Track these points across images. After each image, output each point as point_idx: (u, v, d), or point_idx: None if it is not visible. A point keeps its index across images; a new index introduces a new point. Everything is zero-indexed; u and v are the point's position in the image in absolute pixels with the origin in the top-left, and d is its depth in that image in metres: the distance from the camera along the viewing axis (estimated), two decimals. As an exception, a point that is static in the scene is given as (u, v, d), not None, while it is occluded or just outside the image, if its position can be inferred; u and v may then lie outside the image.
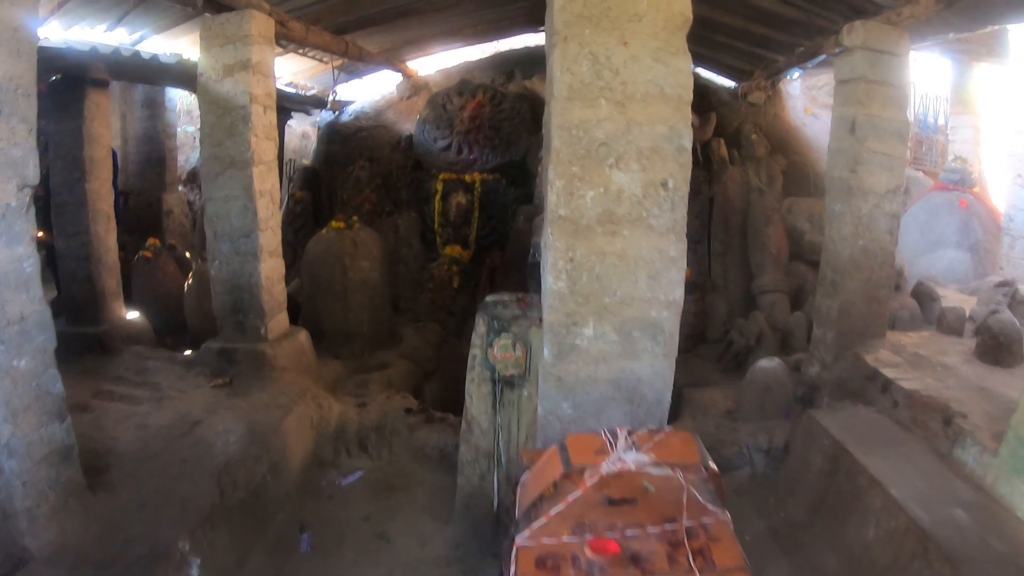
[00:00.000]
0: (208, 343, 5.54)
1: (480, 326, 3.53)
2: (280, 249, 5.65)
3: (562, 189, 3.04)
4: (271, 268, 5.47)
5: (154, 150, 10.72)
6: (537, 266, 3.66)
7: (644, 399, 3.17)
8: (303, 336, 5.78)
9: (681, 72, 3.01)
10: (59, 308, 6.88)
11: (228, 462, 3.94)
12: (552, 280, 3.07)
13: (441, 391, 6.42)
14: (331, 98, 9.86)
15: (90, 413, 4.88)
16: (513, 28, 9.25)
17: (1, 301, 2.85)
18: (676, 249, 3.08)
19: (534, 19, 8.35)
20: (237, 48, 5.03)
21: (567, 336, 3.12)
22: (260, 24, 5.09)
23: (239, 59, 5.05)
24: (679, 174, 3.04)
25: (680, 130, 3.02)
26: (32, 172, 2.91)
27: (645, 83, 2.99)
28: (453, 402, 6.45)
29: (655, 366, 3.16)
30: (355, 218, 7.07)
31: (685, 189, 3.06)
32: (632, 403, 3.17)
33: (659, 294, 3.09)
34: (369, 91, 10.51)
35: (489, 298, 3.77)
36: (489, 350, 3.49)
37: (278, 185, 5.56)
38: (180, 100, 10.89)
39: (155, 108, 10.64)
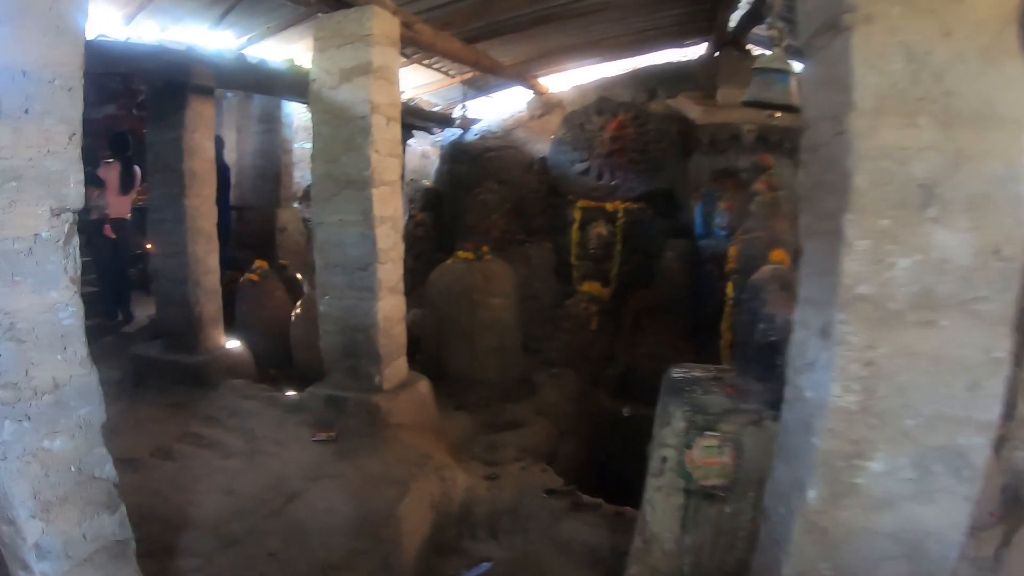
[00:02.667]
0: (314, 387, 4.83)
1: (676, 419, 2.54)
2: (402, 284, 4.90)
3: (866, 253, 1.90)
4: (391, 307, 4.71)
5: (270, 165, 10.40)
6: (768, 348, 2.60)
7: (927, 557, 2.08)
8: (424, 386, 4.96)
9: (1017, 82, 1.88)
10: (156, 331, 6.40)
11: (328, 563, 3.12)
12: (838, 391, 1.93)
13: (579, 450, 5.46)
14: (460, 114, 9.19)
15: (172, 462, 4.31)
16: (657, 42, 8.31)
17: (24, 364, 2.12)
18: (1003, 347, 1.94)
19: (684, 31, 7.42)
20: (356, 49, 4.31)
21: (846, 471, 2.01)
22: (383, 22, 4.35)
23: (359, 62, 4.32)
24: (1017, 235, 1.90)
25: (1018, 170, 1.90)
26: (74, 192, 2.17)
27: (973, 95, 1.83)
28: (592, 466, 5.53)
29: (952, 513, 2.05)
30: (485, 248, 6.24)
31: (1022, 259, 1.93)
32: (911, 561, 2.08)
33: (975, 412, 1.96)
34: (495, 109, 9.82)
35: (677, 373, 2.80)
36: (686, 452, 2.51)
37: (401, 210, 4.80)
38: (297, 116, 10.50)
39: (272, 123, 10.31)
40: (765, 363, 2.53)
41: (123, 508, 2.57)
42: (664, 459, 2.60)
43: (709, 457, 2.48)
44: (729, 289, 6.04)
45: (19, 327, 2.09)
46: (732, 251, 6.13)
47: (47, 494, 2.24)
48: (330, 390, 4.77)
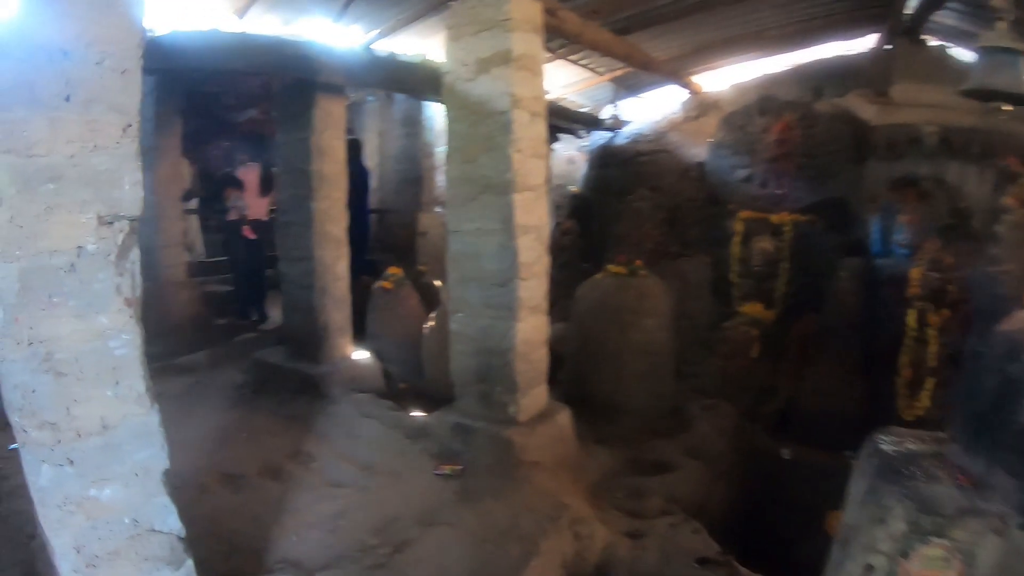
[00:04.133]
0: (442, 412, 4.40)
1: (894, 518, 1.85)
2: (546, 303, 4.34)
3: None
4: (532, 329, 4.16)
5: (411, 169, 10.25)
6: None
7: None
8: (564, 418, 4.38)
9: None
10: (281, 337, 6.25)
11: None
12: None
13: (729, 495, 4.76)
14: (611, 115, 8.64)
15: (279, 483, 4.00)
16: (822, 33, 7.43)
17: (65, 400, 1.78)
18: None
19: (853, 19, 6.58)
20: (494, 36, 3.84)
21: None
22: (523, 5, 3.86)
23: (497, 50, 3.84)
24: None
25: None
26: (130, 196, 1.81)
27: None
28: (741, 512, 4.84)
29: None
30: (639, 262, 5.64)
31: None
32: None
33: None
34: (647, 110, 9.20)
35: (887, 444, 2.11)
36: (901, 561, 1.84)
37: (547, 219, 4.29)
38: (439, 119, 10.32)
39: (414, 126, 10.15)
40: (1013, 430, 1.81)
41: (190, 563, 2.20)
42: (870, 568, 1.92)
43: (931, 570, 1.80)
44: (911, 318, 5.20)
45: (58, 357, 1.74)
46: (914, 273, 5.28)
47: (93, 548, 1.90)
48: (458, 417, 4.28)
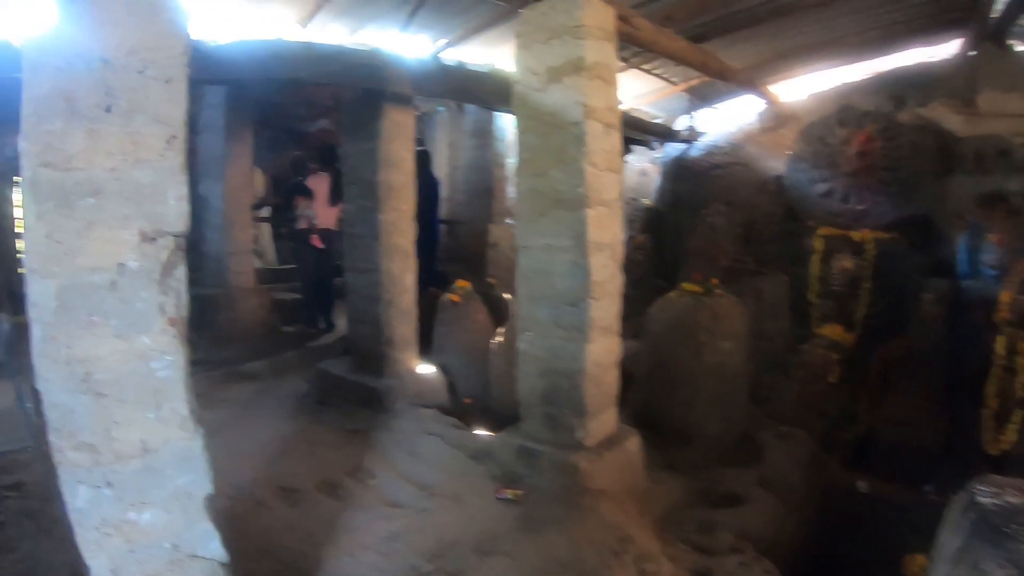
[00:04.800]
0: (506, 434, 4.24)
1: None
2: (618, 324, 4.15)
3: None
4: (603, 351, 3.97)
5: (482, 180, 10.18)
6: None
7: None
8: (633, 444, 4.17)
9: None
10: (346, 348, 6.22)
11: None
12: None
13: (806, 533, 4.48)
14: (687, 127, 8.40)
15: (336, 500, 3.92)
16: (903, 39, 7.05)
17: (104, 422, 1.70)
18: None
19: (936, 24, 6.24)
20: (566, 44, 3.69)
21: None
22: (596, 12, 3.71)
23: (569, 58, 3.69)
24: None
25: None
26: (174, 211, 1.73)
27: None
28: (810, 546, 4.55)
29: None
30: (715, 281, 5.41)
31: None
32: None
33: None
34: (721, 121, 8.91)
35: (985, 498, 1.87)
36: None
37: (621, 236, 4.12)
38: (510, 130, 10.24)
39: (484, 137, 10.08)
40: None
41: (234, 592, 2.11)
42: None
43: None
44: (999, 345, 4.88)
45: (97, 378, 1.67)
46: (1004, 296, 4.94)
47: (131, 571, 1.84)
48: (523, 440, 4.09)
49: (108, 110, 1.57)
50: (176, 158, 1.71)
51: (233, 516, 3.62)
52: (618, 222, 4.03)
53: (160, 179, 1.68)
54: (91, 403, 1.68)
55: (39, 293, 1.57)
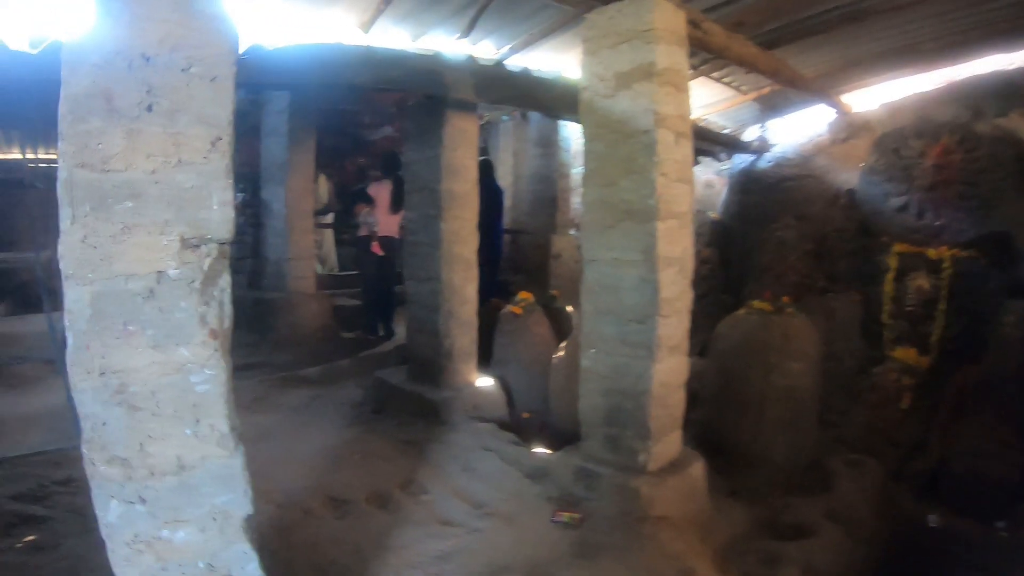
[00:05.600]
0: (565, 453, 4.09)
1: None
2: (687, 343, 3.97)
3: None
4: (670, 371, 3.78)
5: (546, 190, 10.06)
6: None
7: None
8: (697, 469, 3.96)
9: None
10: (404, 357, 6.16)
11: None
12: None
13: (874, 568, 4.19)
14: (758, 137, 8.13)
15: (386, 513, 3.80)
16: (986, 43, 6.58)
17: (139, 436, 1.62)
18: None
19: (1017, 28, 5.77)
20: (635, 48, 3.54)
21: None
22: (666, 15, 3.55)
23: (638, 63, 3.53)
24: None
25: None
26: (218, 216, 1.64)
27: None
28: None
29: None
30: (786, 299, 5.16)
31: None
32: None
33: None
34: (790, 132, 8.59)
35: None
36: None
37: (692, 250, 3.93)
38: (575, 139, 10.14)
39: (549, 147, 9.96)
40: None
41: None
42: None
43: None
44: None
45: (132, 390, 1.59)
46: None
47: (162, 592, 1.75)
48: (582, 460, 3.92)
49: (149, 109, 1.49)
50: (221, 161, 1.62)
51: (280, 525, 3.58)
52: (689, 235, 3.85)
53: (203, 183, 1.60)
54: (125, 416, 1.60)
55: (74, 300, 1.50)
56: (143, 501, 1.67)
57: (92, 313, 1.51)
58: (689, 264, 3.85)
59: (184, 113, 1.54)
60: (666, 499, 3.64)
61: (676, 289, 3.72)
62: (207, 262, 1.65)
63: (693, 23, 3.88)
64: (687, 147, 3.75)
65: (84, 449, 1.61)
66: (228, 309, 1.72)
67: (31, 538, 3.20)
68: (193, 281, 1.63)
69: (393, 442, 4.85)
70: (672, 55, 3.57)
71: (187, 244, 1.60)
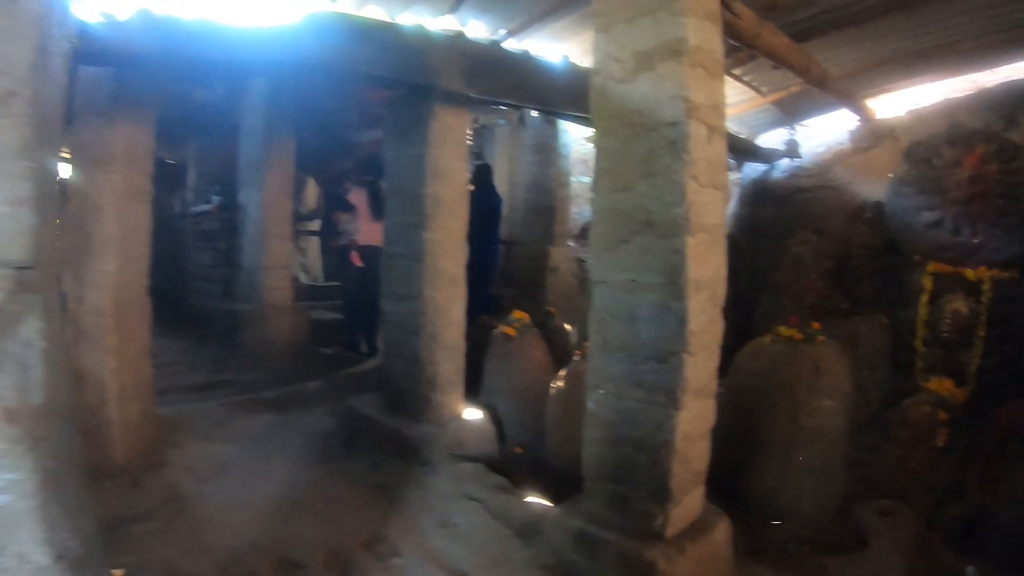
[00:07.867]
0: (563, 512, 3.39)
1: None
2: (714, 383, 3.29)
3: None
4: (695, 418, 3.10)
5: (543, 199, 9.51)
6: None
7: None
8: (721, 533, 3.26)
9: None
10: (380, 384, 5.56)
11: None
12: None
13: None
14: (787, 140, 7.62)
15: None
16: (1016, 47, 6.14)
17: None
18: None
19: None
20: (659, 22, 2.87)
21: None
22: (696, -15, 2.90)
23: (663, 40, 2.87)
24: None
25: None
26: (7, 226, 0.98)
27: None
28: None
29: None
30: (816, 326, 4.55)
31: None
32: None
33: None
34: (806, 139, 8.09)
35: None
36: None
37: (725, 271, 3.27)
38: (575, 147, 9.64)
39: (547, 153, 9.40)
40: None
41: None
42: None
43: None
44: None
45: None
46: None
47: None
48: (583, 522, 3.24)
49: None
50: (13, 131, 0.95)
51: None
52: (721, 253, 3.19)
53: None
54: None
55: None
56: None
57: None
58: (721, 289, 3.20)
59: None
60: (686, 571, 2.99)
61: (706, 319, 3.05)
62: (-3, 298, 0.98)
63: (723, 2, 3.26)
64: (721, 145, 3.10)
65: None
66: (40, 373, 1.06)
67: None
68: (-34, 331, 0.97)
69: (363, 487, 4.29)
70: (704, 31, 2.92)
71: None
